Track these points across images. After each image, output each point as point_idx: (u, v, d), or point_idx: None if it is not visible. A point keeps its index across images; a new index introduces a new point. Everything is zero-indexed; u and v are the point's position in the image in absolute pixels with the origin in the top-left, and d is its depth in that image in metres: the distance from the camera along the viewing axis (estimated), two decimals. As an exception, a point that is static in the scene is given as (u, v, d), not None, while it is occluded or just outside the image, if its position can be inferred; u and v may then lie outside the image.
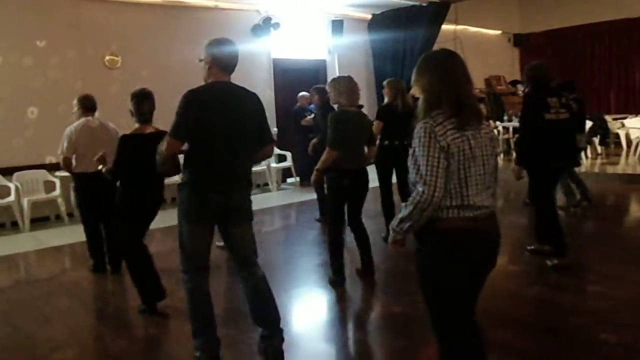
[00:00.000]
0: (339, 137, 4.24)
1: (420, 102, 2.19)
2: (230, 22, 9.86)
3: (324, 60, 11.58)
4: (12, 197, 7.38)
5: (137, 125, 4.12)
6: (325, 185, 4.89)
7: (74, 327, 4.04)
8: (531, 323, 3.71)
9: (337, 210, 4.49)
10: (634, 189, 8.38)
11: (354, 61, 11.77)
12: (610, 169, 9.70)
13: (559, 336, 3.47)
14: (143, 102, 4.11)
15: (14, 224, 7.51)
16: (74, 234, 7.08)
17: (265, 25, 10.11)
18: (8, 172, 7.58)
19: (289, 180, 10.61)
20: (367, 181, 4.51)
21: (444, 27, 11.71)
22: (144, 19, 8.87)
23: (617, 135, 11.40)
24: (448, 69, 2.18)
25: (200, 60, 3.10)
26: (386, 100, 5.90)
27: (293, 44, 10.87)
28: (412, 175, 2.15)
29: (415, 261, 2.26)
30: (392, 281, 4.81)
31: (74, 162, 5.03)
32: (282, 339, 3.25)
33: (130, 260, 4.24)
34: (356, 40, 11.82)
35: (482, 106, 6.79)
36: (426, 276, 2.24)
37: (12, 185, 7.46)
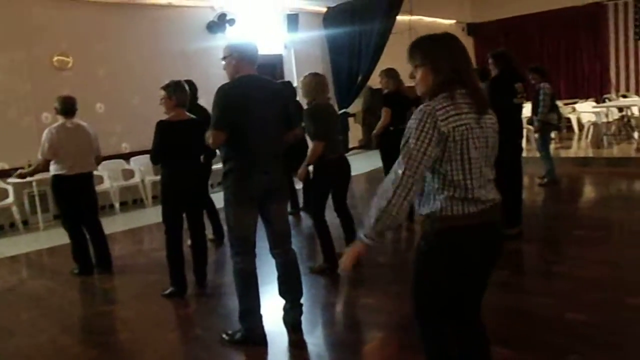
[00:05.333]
0: (322, 129, 4.46)
1: (426, 87, 2.05)
2: (185, 19, 9.70)
3: (281, 55, 11.51)
4: (-38, 207, 7.07)
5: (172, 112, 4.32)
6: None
7: (39, 340, 3.88)
8: (498, 306, 3.77)
9: (323, 199, 4.66)
10: (588, 172, 8.67)
11: (311, 55, 11.75)
12: (563, 153, 10.00)
13: (526, 317, 3.54)
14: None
15: (-34, 235, 7.19)
16: (30, 242, 6.90)
17: (221, 21, 9.98)
18: (-43, 180, 7.26)
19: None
20: (349, 168, 4.79)
21: (399, 18, 11.80)
22: (95, 17, 8.59)
23: (569, 120, 11.76)
24: (462, 48, 2.07)
25: (223, 59, 3.38)
26: (383, 89, 6.21)
27: (249, 40, 10.71)
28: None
29: (410, 256, 2.21)
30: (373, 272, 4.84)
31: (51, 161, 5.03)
32: (302, 312, 3.61)
33: (167, 243, 4.38)
34: (312, 34, 11.81)
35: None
36: (425, 274, 2.12)
37: (-39, 195, 7.15)
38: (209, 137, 3.29)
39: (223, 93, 3.24)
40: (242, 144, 3.27)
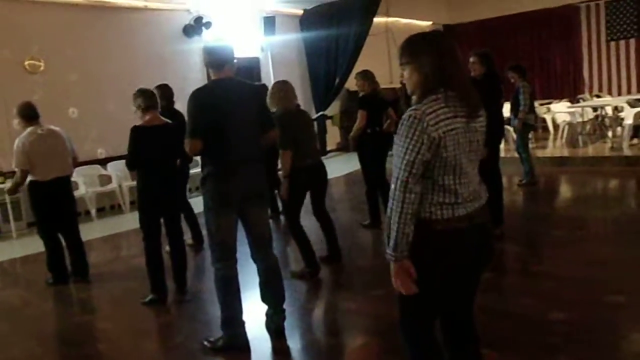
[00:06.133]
0: (288, 137, 4.36)
1: (413, 86, 2.00)
2: (160, 22, 9.59)
3: (258, 58, 11.45)
4: None
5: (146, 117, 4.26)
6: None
7: (12, 353, 3.76)
8: (481, 307, 3.76)
9: (296, 207, 4.60)
10: (564, 171, 8.78)
11: (287, 58, 11.72)
12: (540, 153, 10.11)
13: (509, 318, 3.55)
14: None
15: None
16: (3, 251, 6.73)
17: (197, 24, 9.89)
18: None
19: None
20: (325, 173, 4.76)
21: (376, 19, 11.83)
22: (68, 20, 8.43)
23: (544, 120, 11.90)
24: (451, 48, 1.99)
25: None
26: (359, 91, 6.11)
27: (224, 42, 10.63)
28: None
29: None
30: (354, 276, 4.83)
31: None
32: (284, 317, 3.57)
33: (145, 250, 4.32)
34: (289, 37, 11.77)
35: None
36: (418, 285, 1.98)
37: None
38: (186, 145, 3.25)
39: (194, 100, 3.21)
40: (219, 148, 3.22)
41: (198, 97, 3.21)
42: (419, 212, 1.95)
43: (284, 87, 4.60)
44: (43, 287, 5.15)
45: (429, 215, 1.95)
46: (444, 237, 1.97)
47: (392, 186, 1.93)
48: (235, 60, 3.37)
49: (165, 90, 5.52)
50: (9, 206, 7.34)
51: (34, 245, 5.18)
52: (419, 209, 1.93)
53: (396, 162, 1.92)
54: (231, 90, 3.29)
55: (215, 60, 3.30)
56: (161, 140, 4.22)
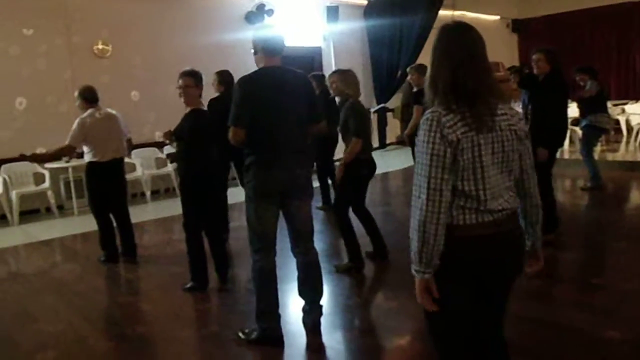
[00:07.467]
0: (363, 125, 4.37)
1: (423, 87, 1.93)
2: (223, 9, 9.67)
3: (320, 47, 11.37)
4: (0, 190, 7.21)
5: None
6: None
7: (58, 327, 3.88)
8: (532, 319, 3.56)
9: (349, 198, 4.55)
10: (635, 177, 8.24)
11: (350, 48, 11.58)
12: (610, 156, 9.55)
13: (555, 330, 3.33)
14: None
15: (3, 218, 7.34)
16: (65, 227, 7.01)
17: (259, 12, 9.91)
18: (-4, 164, 7.41)
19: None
20: (375, 168, 4.64)
21: (442, 12, 11.50)
22: (133, 6, 8.64)
23: (617, 122, 11.23)
24: (448, 48, 1.82)
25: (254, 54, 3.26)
26: (414, 85, 6.20)
27: (287, 31, 10.62)
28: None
29: None
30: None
31: (85, 149, 5.11)
32: (321, 313, 3.50)
33: (187, 239, 4.32)
34: (352, 27, 11.61)
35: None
36: (439, 296, 1.83)
37: (0, 178, 7.29)
38: (230, 133, 3.19)
39: (239, 88, 3.15)
40: (263, 137, 3.16)
41: (244, 85, 3.15)
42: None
43: (354, 75, 4.54)
44: (96, 264, 5.31)
45: (450, 221, 1.80)
46: (468, 244, 1.81)
47: (416, 193, 1.78)
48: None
49: (226, 76, 5.56)
50: (72, 184, 7.64)
51: (94, 222, 5.34)
52: (448, 217, 1.78)
53: (419, 170, 1.77)
54: (279, 79, 3.22)
55: (268, 48, 3.22)
56: (216, 125, 4.22)
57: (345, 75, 4.51)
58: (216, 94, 5.68)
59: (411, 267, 1.84)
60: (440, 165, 1.74)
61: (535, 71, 4.87)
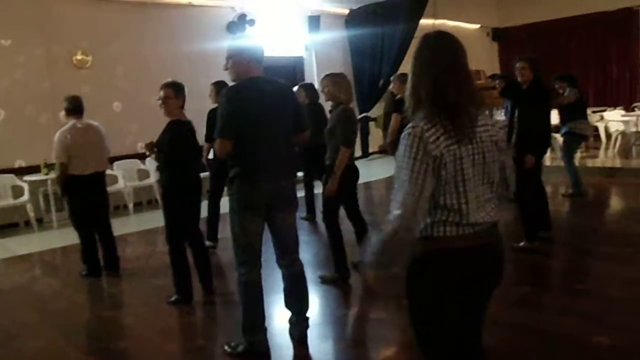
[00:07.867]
0: (353, 134, 4.33)
1: (404, 96, 1.88)
2: (204, 19, 9.62)
3: (302, 57, 11.38)
4: (-23, 204, 7.06)
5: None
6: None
7: (40, 344, 3.77)
8: (519, 325, 3.56)
9: (337, 206, 4.49)
10: (616, 182, 8.34)
11: (332, 57, 11.59)
12: (590, 163, 9.67)
13: (543, 336, 3.33)
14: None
15: (-20, 231, 7.17)
16: (44, 241, 6.86)
17: (241, 22, 9.88)
18: (-27, 177, 7.25)
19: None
20: (359, 175, 4.61)
21: (423, 21, 11.57)
22: (114, 16, 8.55)
23: (596, 129, 11.38)
24: (430, 57, 1.81)
25: (227, 60, 3.21)
26: (396, 93, 6.14)
27: (269, 41, 10.63)
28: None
29: (405, 285, 1.93)
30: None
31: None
32: (308, 325, 3.48)
33: (170, 251, 4.25)
34: (334, 36, 11.64)
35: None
36: (421, 307, 1.86)
37: (-23, 191, 7.14)
38: (216, 145, 3.16)
39: (226, 99, 3.10)
40: (249, 149, 3.12)
41: (231, 97, 3.10)
42: (420, 229, 1.80)
43: (346, 79, 4.49)
44: (77, 278, 5.20)
45: (430, 233, 1.79)
46: (448, 256, 1.80)
47: (392, 208, 1.75)
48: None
49: (222, 86, 5.52)
50: (51, 197, 7.50)
51: (74, 236, 5.25)
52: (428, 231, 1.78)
53: (398, 185, 1.75)
54: (264, 89, 3.17)
55: (255, 57, 3.19)
56: (194, 137, 4.23)
57: (337, 79, 4.44)
58: (214, 105, 5.61)
59: (367, 264, 1.83)
60: (420, 182, 1.72)
61: (519, 79, 4.91)
